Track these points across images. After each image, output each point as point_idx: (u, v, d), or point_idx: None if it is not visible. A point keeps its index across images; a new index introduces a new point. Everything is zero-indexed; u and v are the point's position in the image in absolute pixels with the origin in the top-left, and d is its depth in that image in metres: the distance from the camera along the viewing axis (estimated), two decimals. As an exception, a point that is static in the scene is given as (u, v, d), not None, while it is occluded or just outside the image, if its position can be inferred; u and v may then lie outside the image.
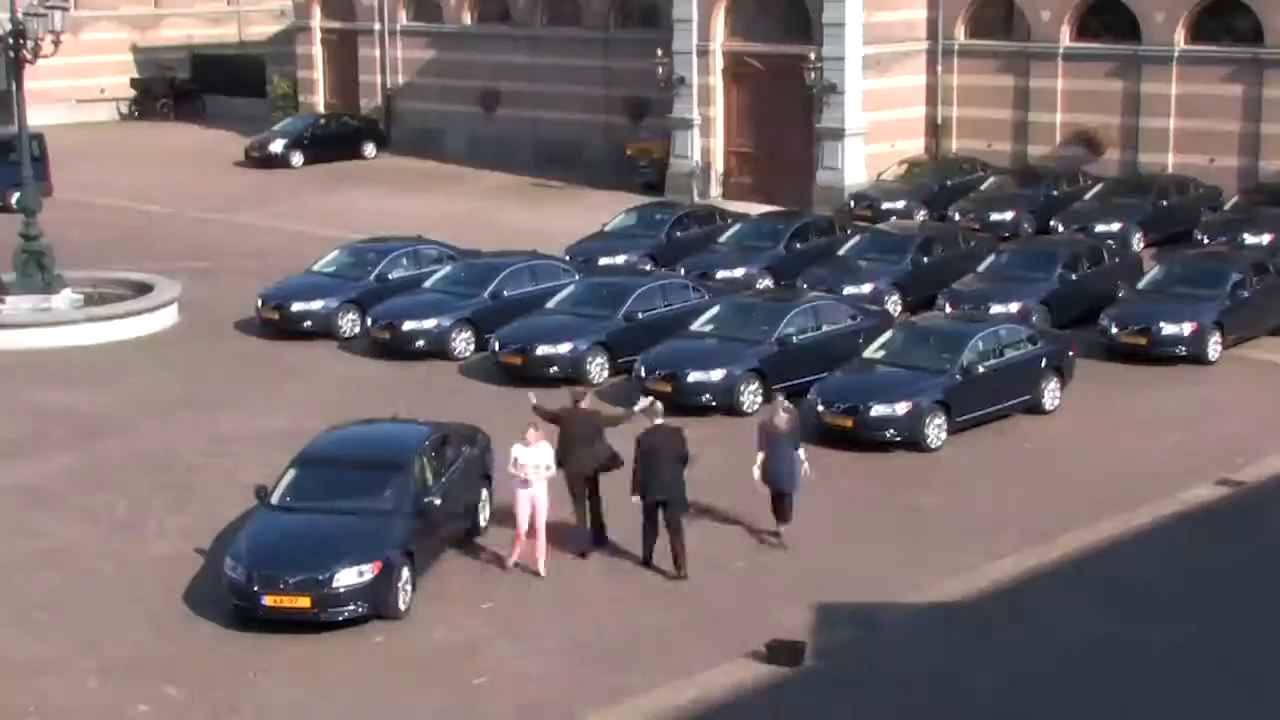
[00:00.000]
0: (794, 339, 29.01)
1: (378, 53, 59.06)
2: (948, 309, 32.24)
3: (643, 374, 28.48)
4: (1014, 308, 31.84)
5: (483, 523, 23.15)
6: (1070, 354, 29.13)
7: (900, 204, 43.26)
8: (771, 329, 29.10)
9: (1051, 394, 28.38)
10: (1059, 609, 20.79)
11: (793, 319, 29.37)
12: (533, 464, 21.53)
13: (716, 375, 28.17)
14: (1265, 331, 32.35)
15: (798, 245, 37.36)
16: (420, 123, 57.95)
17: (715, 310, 30.31)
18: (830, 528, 23.40)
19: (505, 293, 32.69)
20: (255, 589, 19.93)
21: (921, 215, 42.56)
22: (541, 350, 29.90)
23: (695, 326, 29.87)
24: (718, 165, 47.53)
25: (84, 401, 29.60)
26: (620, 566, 21.99)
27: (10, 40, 34.03)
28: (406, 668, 19.29)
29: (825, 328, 29.68)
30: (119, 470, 26.07)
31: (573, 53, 53.23)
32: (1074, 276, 33.73)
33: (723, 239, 38.01)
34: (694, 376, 28.09)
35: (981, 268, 34.40)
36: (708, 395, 28.12)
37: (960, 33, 46.52)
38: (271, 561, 20.18)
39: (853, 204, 43.57)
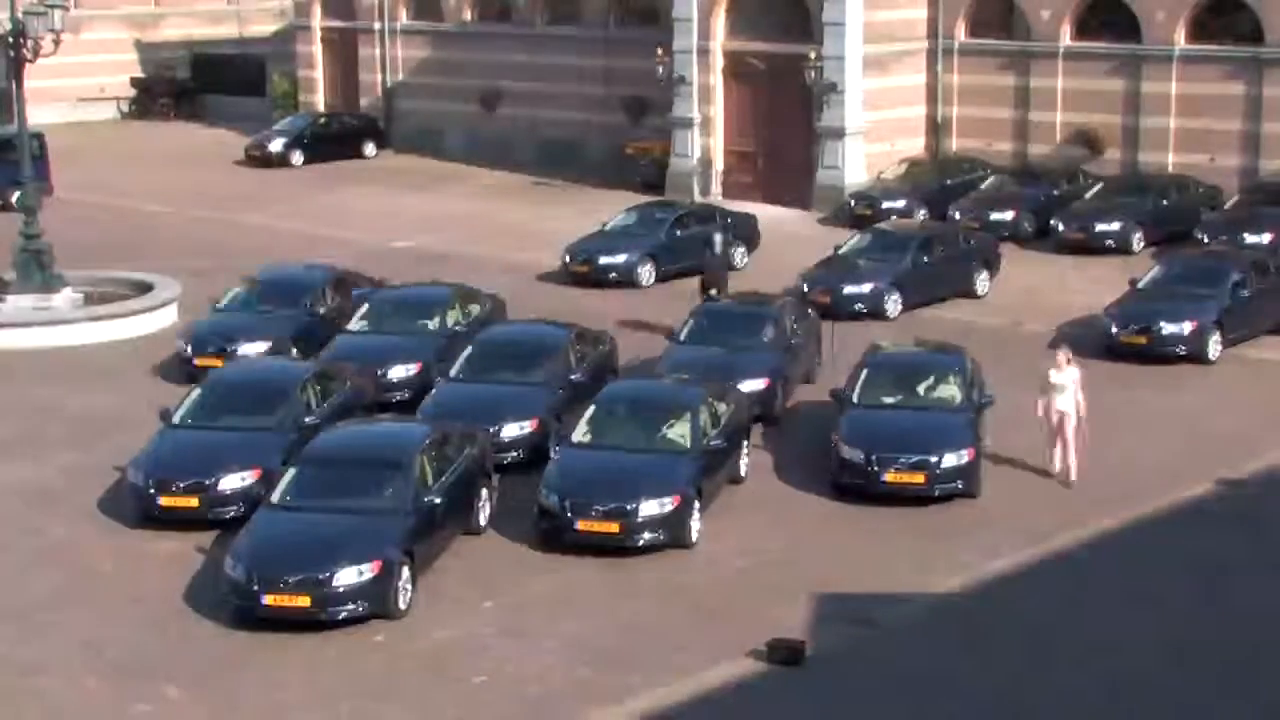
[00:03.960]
0: None
1: (378, 51, 59.01)
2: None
3: None
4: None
5: (483, 522, 23.19)
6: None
7: (900, 203, 43.23)
8: None
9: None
10: (1058, 608, 20.80)
11: None
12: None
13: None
14: (1265, 331, 32.35)
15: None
16: (420, 122, 57.89)
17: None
18: (830, 527, 23.41)
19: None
20: (255, 588, 19.94)
21: (922, 215, 42.55)
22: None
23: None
24: (718, 164, 47.51)
25: (84, 401, 29.57)
26: (620, 566, 22.00)
27: (10, 39, 34.02)
28: (406, 667, 19.29)
29: None
30: (119, 470, 26.02)
31: (573, 52, 53.19)
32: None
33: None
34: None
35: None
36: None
37: (960, 32, 46.50)
38: (271, 560, 20.20)
39: (853, 203, 43.58)
